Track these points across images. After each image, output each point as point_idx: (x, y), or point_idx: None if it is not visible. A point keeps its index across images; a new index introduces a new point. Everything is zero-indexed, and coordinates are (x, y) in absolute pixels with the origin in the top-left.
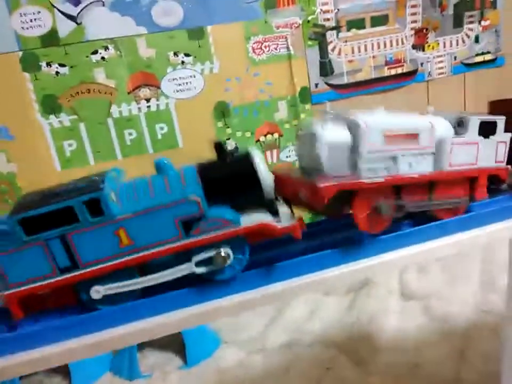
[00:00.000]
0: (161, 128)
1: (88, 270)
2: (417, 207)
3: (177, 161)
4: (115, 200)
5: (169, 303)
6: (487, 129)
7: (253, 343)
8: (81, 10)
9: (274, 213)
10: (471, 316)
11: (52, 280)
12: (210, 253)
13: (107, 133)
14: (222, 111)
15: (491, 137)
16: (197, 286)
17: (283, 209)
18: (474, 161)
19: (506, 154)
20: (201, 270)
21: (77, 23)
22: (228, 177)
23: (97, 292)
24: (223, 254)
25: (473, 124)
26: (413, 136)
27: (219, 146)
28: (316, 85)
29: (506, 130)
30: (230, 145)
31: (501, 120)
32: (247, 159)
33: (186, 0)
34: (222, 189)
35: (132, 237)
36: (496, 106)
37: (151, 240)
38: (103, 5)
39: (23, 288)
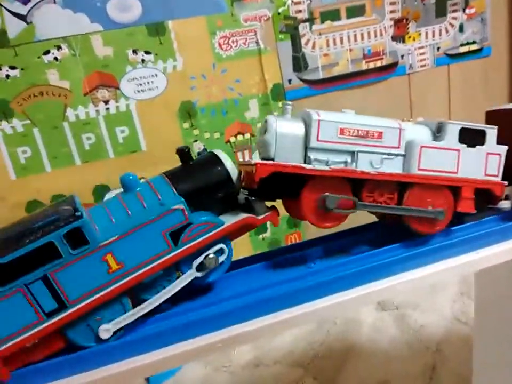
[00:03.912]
0: (122, 131)
1: (78, 307)
2: (374, 208)
3: (141, 166)
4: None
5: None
6: (472, 138)
7: (219, 360)
8: (31, 8)
9: (246, 206)
10: (446, 327)
11: (40, 328)
12: (203, 257)
13: (63, 137)
14: (187, 111)
15: (478, 147)
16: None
17: (254, 200)
18: (455, 170)
19: (501, 168)
20: (199, 273)
21: (26, 22)
22: (201, 181)
23: (107, 330)
24: (213, 255)
25: (452, 130)
26: (375, 134)
27: (183, 152)
28: (289, 81)
29: (505, 142)
30: (198, 148)
31: (491, 130)
32: (214, 160)
33: None
34: (196, 193)
35: (121, 260)
36: (493, 116)
37: (141, 259)
38: (54, 2)
39: (6, 345)
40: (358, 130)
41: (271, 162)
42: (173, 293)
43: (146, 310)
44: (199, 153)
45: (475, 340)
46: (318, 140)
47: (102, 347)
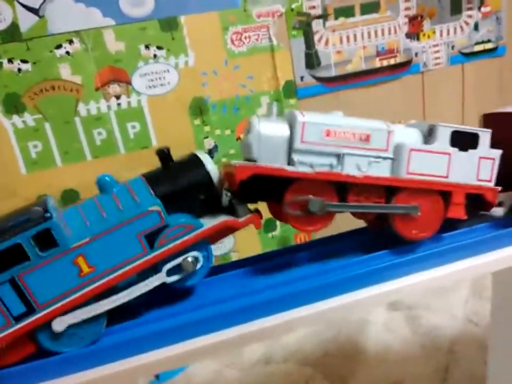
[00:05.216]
0: (133, 127)
1: (48, 310)
2: (356, 208)
3: (152, 162)
4: (65, 229)
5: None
6: (465, 142)
7: (229, 357)
8: (44, 2)
9: (230, 209)
10: (459, 328)
11: (7, 332)
12: (179, 260)
13: (75, 132)
14: (199, 107)
15: (471, 151)
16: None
17: (236, 202)
18: (445, 174)
19: (495, 173)
20: (172, 278)
21: (39, 16)
22: (180, 182)
23: (60, 322)
24: (191, 259)
25: (443, 133)
26: (363, 137)
27: (163, 153)
28: (302, 78)
29: (501, 147)
30: (209, 144)
31: (484, 133)
32: (194, 161)
33: None
34: (175, 195)
35: (93, 263)
36: (489, 120)
37: (115, 262)
38: None
39: None
40: (344, 133)
41: (251, 164)
42: (137, 294)
43: (107, 308)
44: (209, 150)
45: (491, 341)
46: (302, 142)
47: (80, 352)
